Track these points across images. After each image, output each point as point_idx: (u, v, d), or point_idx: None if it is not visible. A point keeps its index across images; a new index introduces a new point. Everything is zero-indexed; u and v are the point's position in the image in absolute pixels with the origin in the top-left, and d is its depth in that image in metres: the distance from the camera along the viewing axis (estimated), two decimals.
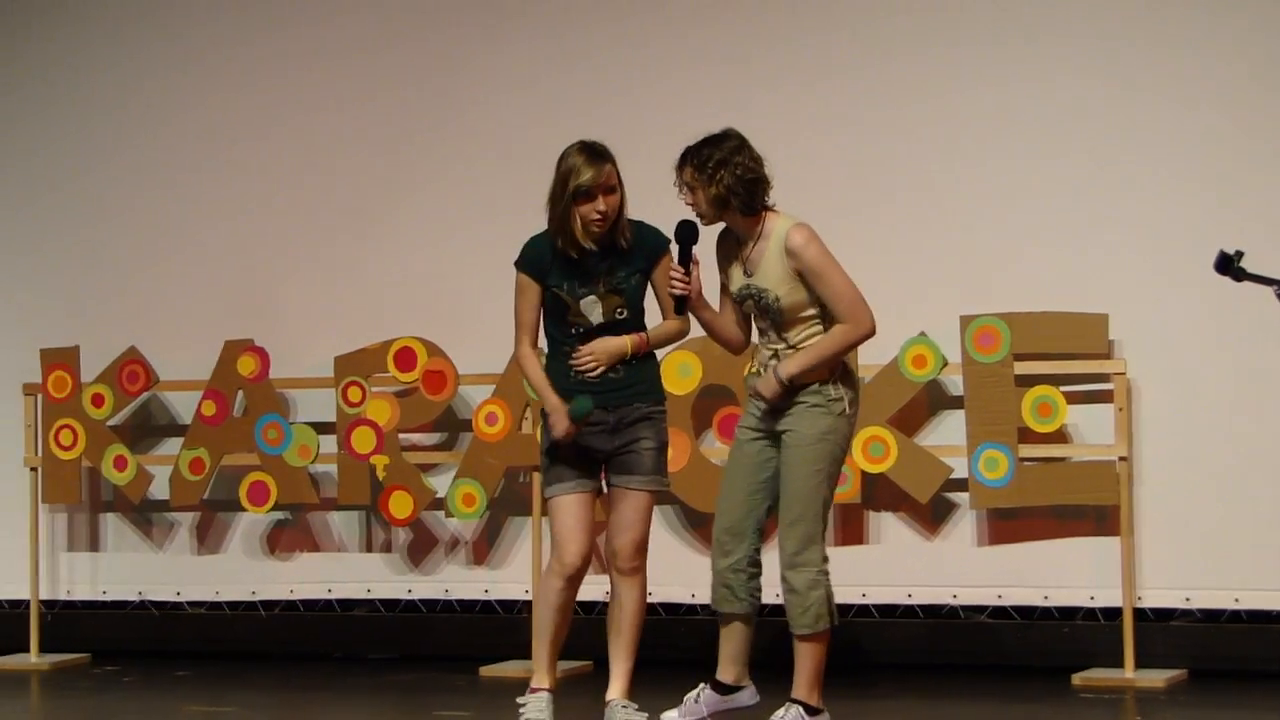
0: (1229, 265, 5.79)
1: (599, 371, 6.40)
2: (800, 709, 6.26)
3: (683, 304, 6.29)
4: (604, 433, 6.43)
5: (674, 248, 6.30)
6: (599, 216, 6.31)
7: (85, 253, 9.29)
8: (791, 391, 6.21)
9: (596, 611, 8.49)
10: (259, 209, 9.07)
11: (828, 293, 6.18)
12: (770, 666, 6.62)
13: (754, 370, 6.36)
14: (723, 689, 6.40)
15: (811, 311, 6.22)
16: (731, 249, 6.35)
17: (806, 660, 6.26)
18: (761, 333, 6.33)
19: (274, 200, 9.06)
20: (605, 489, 6.52)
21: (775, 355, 6.27)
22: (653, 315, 6.49)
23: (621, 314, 6.42)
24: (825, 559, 6.25)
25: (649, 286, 6.47)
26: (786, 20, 8.41)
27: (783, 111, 8.33)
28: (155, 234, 9.21)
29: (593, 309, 6.39)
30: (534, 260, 6.44)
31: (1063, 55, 8.03)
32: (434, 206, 8.81)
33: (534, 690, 6.50)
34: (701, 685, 6.41)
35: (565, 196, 6.31)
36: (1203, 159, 7.86)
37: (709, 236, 6.34)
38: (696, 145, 6.24)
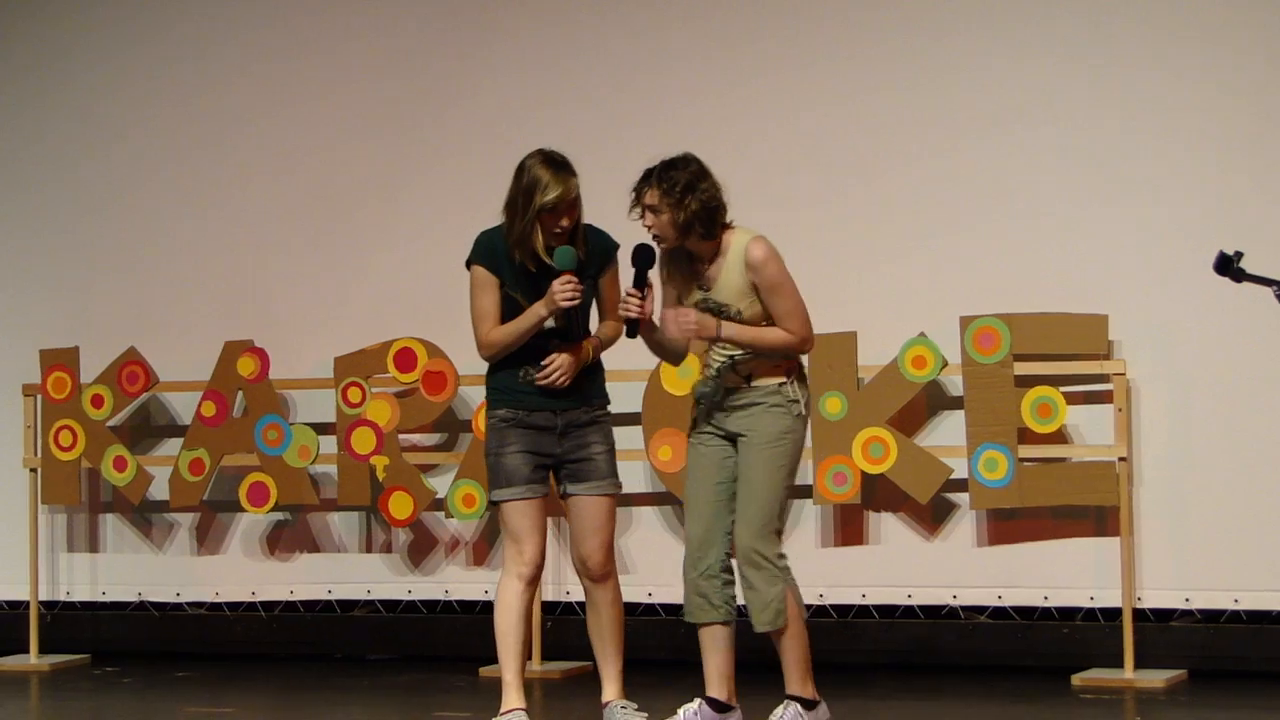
0: (1228, 266, 5.78)
1: (568, 380, 6.37)
2: (798, 706, 6.25)
3: (635, 328, 6.23)
4: (552, 435, 6.41)
5: (622, 270, 6.27)
6: (560, 232, 6.32)
7: (84, 253, 9.28)
8: (733, 391, 6.20)
9: None
10: (259, 210, 9.07)
11: (780, 307, 6.17)
12: (761, 668, 6.59)
13: (702, 378, 6.31)
14: (718, 707, 6.33)
15: (771, 323, 6.22)
16: (682, 264, 6.30)
17: (789, 656, 6.24)
18: (714, 341, 6.26)
19: (274, 201, 9.05)
20: (562, 498, 6.50)
21: (731, 359, 6.23)
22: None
23: (574, 313, 6.39)
24: (783, 556, 6.23)
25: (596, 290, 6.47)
26: (781, 14, 8.40)
27: (780, 111, 8.33)
28: (155, 234, 9.20)
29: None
30: (491, 256, 6.42)
31: (1063, 55, 8.03)
32: (434, 207, 8.81)
33: (510, 711, 6.41)
34: (699, 701, 6.34)
35: (530, 211, 6.29)
36: (1202, 159, 7.85)
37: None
38: (659, 169, 6.19)
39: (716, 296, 6.21)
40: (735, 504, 6.25)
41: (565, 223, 6.31)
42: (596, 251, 6.45)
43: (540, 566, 6.46)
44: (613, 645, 6.50)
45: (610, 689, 6.52)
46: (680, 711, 6.34)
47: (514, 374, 6.43)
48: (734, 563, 6.28)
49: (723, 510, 6.27)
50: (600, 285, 6.49)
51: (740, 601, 6.30)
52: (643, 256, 6.22)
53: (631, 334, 6.27)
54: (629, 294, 6.20)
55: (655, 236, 6.23)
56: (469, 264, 6.50)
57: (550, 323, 6.36)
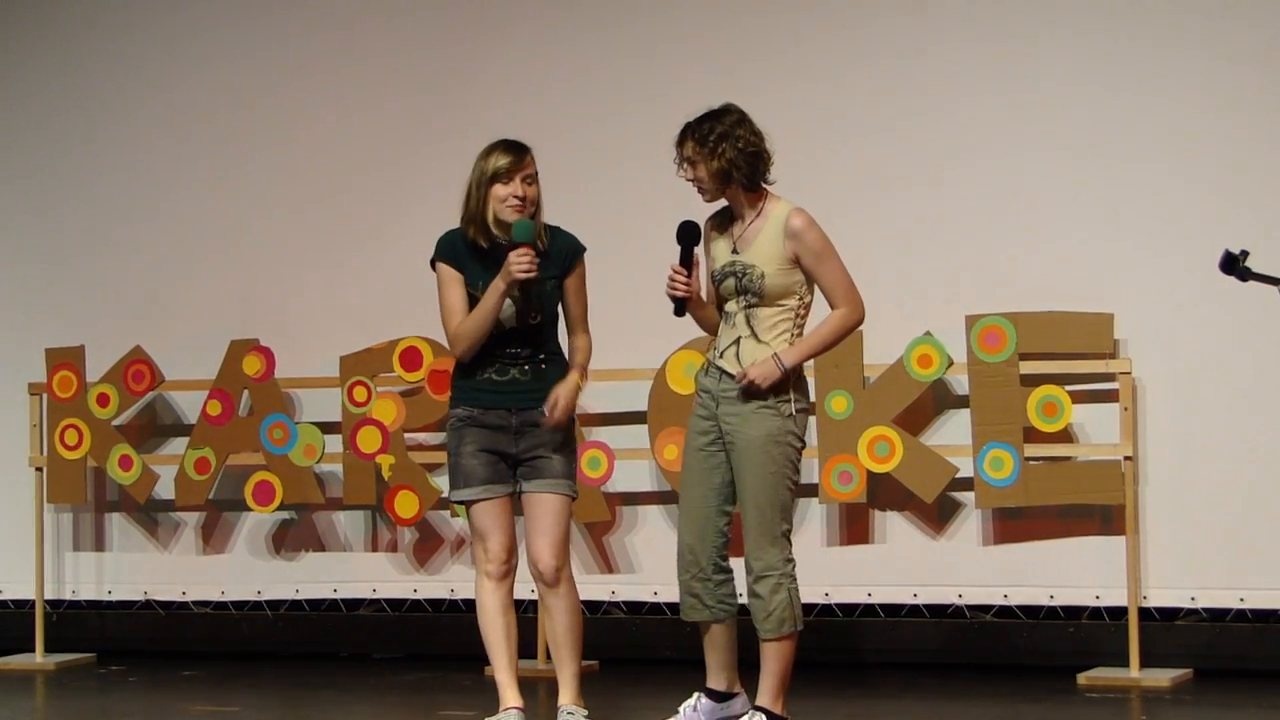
0: (1234, 265, 5.79)
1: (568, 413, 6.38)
2: (764, 718, 6.17)
3: (682, 306, 6.21)
4: (507, 434, 6.39)
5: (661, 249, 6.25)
6: (518, 201, 6.29)
7: (90, 252, 9.29)
8: (729, 380, 6.15)
9: (602, 611, 8.50)
10: (264, 208, 9.08)
11: (828, 277, 6.15)
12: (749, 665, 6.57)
13: (711, 360, 6.24)
14: (718, 697, 6.32)
15: (789, 302, 6.16)
16: (723, 227, 6.27)
17: (772, 665, 6.17)
18: (727, 318, 6.21)
19: (279, 200, 9.06)
20: (518, 496, 6.47)
21: (736, 343, 6.17)
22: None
23: (535, 319, 6.39)
24: (789, 561, 6.17)
25: (562, 293, 6.43)
26: (790, 17, 8.41)
27: (787, 111, 8.32)
28: (160, 233, 9.21)
29: (505, 311, 6.36)
30: (450, 253, 6.43)
31: (1068, 54, 8.03)
32: (439, 205, 8.77)
33: (506, 709, 6.42)
34: (697, 694, 6.34)
35: (484, 182, 6.29)
36: (1209, 158, 7.86)
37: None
38: (697, 120, 6.19)
39: (745, 258, 6.16)
40: (730, 506, 6.23)
41: (520, 192, 6.29)
42: (561, 252, 6.41)
43: (508, 562, 6.42)
44: (567, 651, 6.43)
45: (564, 694, 6.44)
46: (681, 710, 6.34)
47: (473, 373, 6.41)
48: (731, 561, 6.26)
49: (715, 513, 6.23)
50: (565, 288, 6.44)
51: (742, 601, 6.29)
52: (686, 233, 6.20)
53: (679, 313, 6.23)
54: (674, 271, 6.16)
55: (698, 190, 6.20)
56: (433, 263, 6.50)
57: (509, 313, 6.32)
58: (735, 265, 6.18)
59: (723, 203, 6.28)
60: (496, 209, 6.31)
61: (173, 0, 9.29)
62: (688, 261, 6.19)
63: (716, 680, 6.33)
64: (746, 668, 6.42)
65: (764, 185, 6.22)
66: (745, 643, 6.38)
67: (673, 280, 6.18)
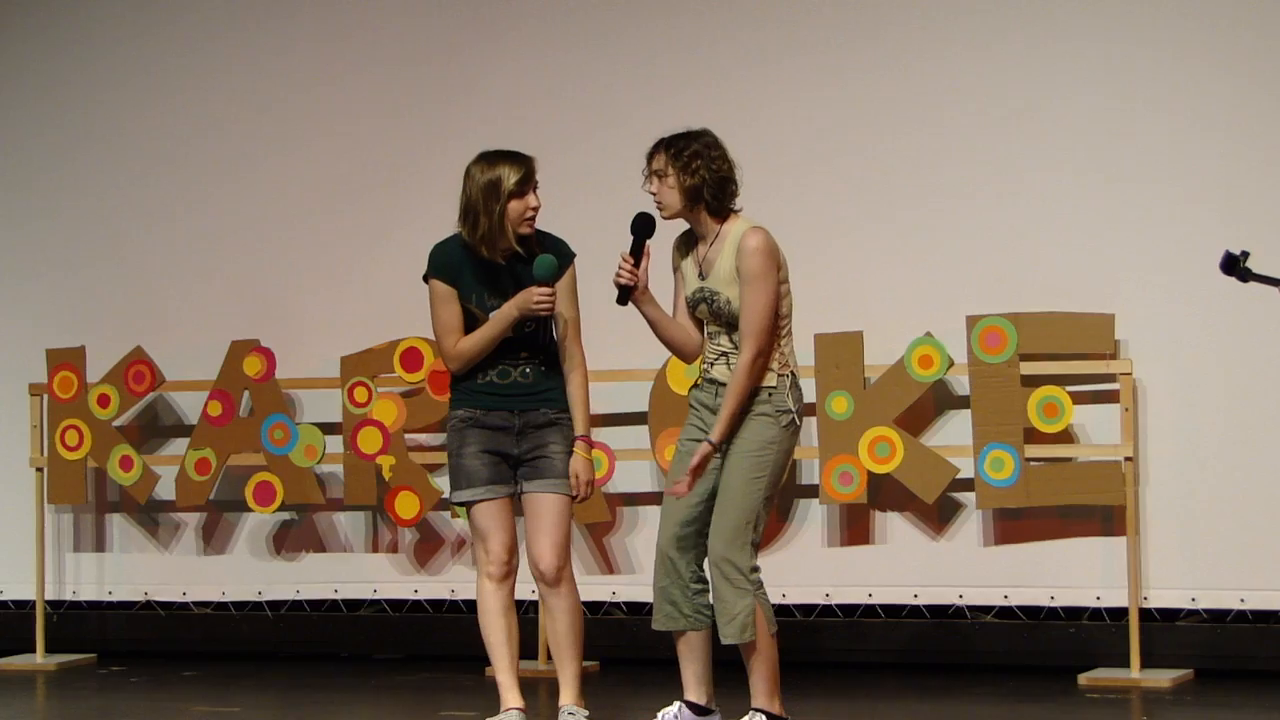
0: (1235, 265, 5.78)
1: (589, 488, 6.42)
2: (764, 718, 6.17)
3: (626, 295, 6.14)
4: (510, 435, 6.39)
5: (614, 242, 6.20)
6: (533, 214, 6.30)
7: (91, 253, 9.29)
8: (724, 392, 6.12)
9: (602, 612, 8.50)
10: (265, 210, 9.08)
11: (746, 303, 6.05)
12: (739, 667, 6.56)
13: (699, 379, 6.25)
14: (698, 710, 6.29)
15: None
16: (690, 248, 6.25)
17: (757, 668, 6.16)
18: (711, 337, 6.21)
19: (280, 201, 9.06)
20: (518, 496, 6.45)
21: (724, 357, 6.16)
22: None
23: (530, 328, 6.39)
24: (756, 569, 6.13)
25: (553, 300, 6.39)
26: (791, 26, 8.40)
27: (789, 113, 8.33)
28: (161, 234, 9.21)
29: None
30: (446, 267, 6.41)
31: (1069, 57, 8.03)
32: (440, 207, 8.76)
33: (506, 710, 6.43)
34: (678, 704, 6.31)
35: (501, 198, 6.26)
36: (1209, 159, 7.86)
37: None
38: (672, 136, 6.16)
39: (711, 284, 6.14)
40: (711, 514, 6.20)
41: (535, 203, 6.29)
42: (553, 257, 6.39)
43: (509, 563, 6.42)
44: (569, 651, 6.42)
45: (565, 694, 6.45)
46: (659, 715, 6.32)
47: (474, 375, 6.42)
48: (707, 570, 6.23)
49: (696, 519, 6.20)
50: (556, 291, 6.40)
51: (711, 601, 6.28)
52: (641, 224, 6.17)
53: (621, 301, 6.16)
54: (622, 259, 6.13)
55: (658, 204, 6.17)
56: (426, 278, 6.49)
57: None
58: (704, 292, 6.17)
59: (682, 224, 6.27)
60: (512, 224, 6.30)
61: (176, 7, 9.29)
62: (638, 251, 6.14)
63: (696, 693, 6.29)
64: (732, 674, 6.41)
65: (730, 209, 6.18)
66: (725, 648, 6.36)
67: (619, 269, 6.12)
